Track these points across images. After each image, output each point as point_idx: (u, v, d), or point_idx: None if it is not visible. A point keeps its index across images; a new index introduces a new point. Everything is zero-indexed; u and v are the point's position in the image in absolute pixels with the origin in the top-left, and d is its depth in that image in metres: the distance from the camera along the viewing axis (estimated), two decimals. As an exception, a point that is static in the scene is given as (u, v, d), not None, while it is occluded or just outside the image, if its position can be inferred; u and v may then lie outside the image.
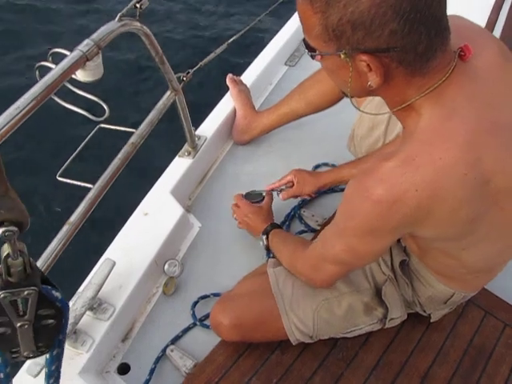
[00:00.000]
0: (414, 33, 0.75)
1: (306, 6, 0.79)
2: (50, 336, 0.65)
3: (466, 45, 0.84)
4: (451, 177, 0.83)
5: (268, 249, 1.48)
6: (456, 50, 0.84)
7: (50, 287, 0.61)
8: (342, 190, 1.73)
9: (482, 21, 2.28)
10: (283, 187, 1.63)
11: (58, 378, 0.74)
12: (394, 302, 1.29)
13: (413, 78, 0.82)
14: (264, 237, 1.47)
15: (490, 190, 0.88)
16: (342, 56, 0.81)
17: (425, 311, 1.33)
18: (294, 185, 1.61)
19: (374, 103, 1.33)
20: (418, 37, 0.76)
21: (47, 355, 0.69)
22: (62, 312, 0.62)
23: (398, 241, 1.27)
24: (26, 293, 0.57)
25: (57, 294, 0.61)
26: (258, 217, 1.53)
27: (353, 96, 0.93)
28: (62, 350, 0.69)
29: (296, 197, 1.65)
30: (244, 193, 1.63)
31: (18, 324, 0.60)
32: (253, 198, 1.59)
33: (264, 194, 1.61)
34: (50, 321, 0.62)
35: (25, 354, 0.64)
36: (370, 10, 0.73)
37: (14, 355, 0.64)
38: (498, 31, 2.28)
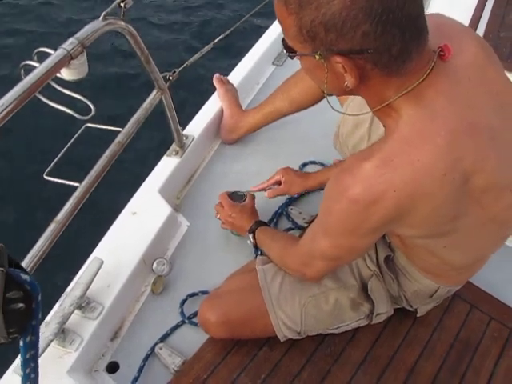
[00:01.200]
0: (387, 34, 0.75)
1: (281, 8, 0.80)
2: (22, 321, 0.63)
3: (445, 44, 0.84)
4: (430, 178, 0.84)
5: (256, 247, 1.49)
6: (436, 50, 0.84)
7: (18, 270, 0.59)
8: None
9: (465, 18, 2.30)
10: (271, 187, 1.64)
11: (35, 368, 0.72)
12: (380, 298, 1.30)
13: (389, 78, 0.83)
14: (251, 235, 1.48)
15: (469, 189, 0.89)
16: (317, 57, 0.81)
17: (411, 306, 1.34)
18: (281, 183, 1.63)
19: (357, 102, 1.34)
20: (392, 38, 0.76)
21: (20, 343, 0.67)
22: (31, 295, 0.61)
23: (383, 236, 1.28)
24: None
25: (25, 277, 0.60)
26: (243, 216, 1.53)
27: (331, 95, 0.94)
28: (37, 337, 0.68)
29: (282, 195, 1.66)
30: (230, 191, 1.63)
31: None
32: (235, 198, 1.60)
33: (246, 195, 1.61)
34: (20, 305, 0.60)
35: None
36: (341, 12, 0.73)
37: None
38: (481, 28, 2.30)
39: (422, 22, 0.79)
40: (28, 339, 0.66)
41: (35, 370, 0.72)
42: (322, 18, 0.75)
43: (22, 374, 0.71)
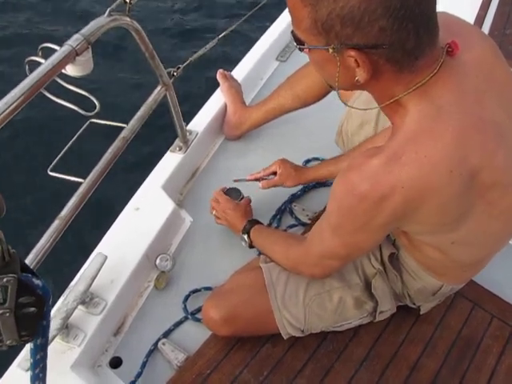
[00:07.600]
0: (402, 30, 0.75)
1: None
2: (33, 324, 0.64)
3: (453, 41, 0.84)
4: (437, 174, 0.84)
5: (252, 247, 1.46)
6: (444, 46, 0.84)
7: (30, 275, 0.60)
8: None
9: (471, 15, 2.29)
10: (266, 177, 1.63)
11: (44, 368, 0.73)
12: (384, 295, 1.30)
13: (401, 74, 0.82)
14: (245, 236, 1.46)
15: (476, 185, 0.88)
16: (330, 51, 0.80)
17: (414, 304, 1.34)
18: (276, 175, 1.62)
19: (362, 100, 1.33)
20: (407, 34, 0.76)
21: (31, 345, 0.68)
22: (43, 300, 0.61)
23: (388, 234, 1.28)
24: (4, 280, 0.56)
25: (37, 282, 0.60)
26: (236, 213, 1.52)
27: (340, 89, 0.93)
28: (47, 339, 0.69)
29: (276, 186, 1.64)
30: (227, 187, 1.64)
31: None
32: (231, 194, 1.60)
33: (243, 195, 1.61)
34: (32, 309, 0.61)
35: (8, 342, 0.62)
36: (360, 5, 0.72)
37: None
38: (486, 26, 2.30)
39: (435, 20, 0.79)
40: (39, 341, 0.67)
41: (44, 369, 0.73)
42: (339, 10, 0.74)
43: (31, 373, 0.73)
